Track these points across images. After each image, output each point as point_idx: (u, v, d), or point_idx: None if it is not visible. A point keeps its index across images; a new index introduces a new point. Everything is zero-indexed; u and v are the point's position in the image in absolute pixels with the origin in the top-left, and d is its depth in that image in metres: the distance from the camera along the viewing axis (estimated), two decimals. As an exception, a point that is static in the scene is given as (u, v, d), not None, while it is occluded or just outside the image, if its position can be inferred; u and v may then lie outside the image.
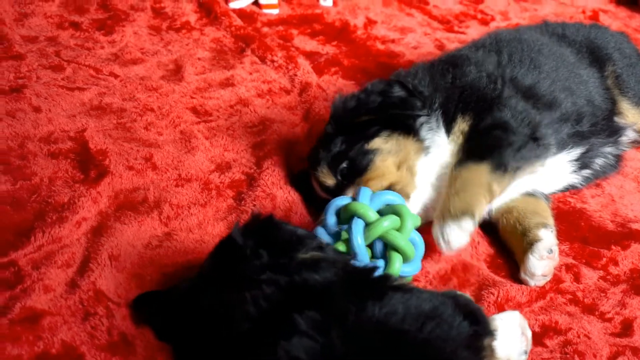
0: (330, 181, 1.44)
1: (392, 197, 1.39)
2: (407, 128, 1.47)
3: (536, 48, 1.64)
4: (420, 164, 1.46)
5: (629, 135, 1.69)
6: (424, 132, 1.47)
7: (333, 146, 1.45)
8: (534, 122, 1.49)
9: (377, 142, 1.46)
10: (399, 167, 1.46)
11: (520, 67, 1.58)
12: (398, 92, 1.49)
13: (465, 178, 1.41)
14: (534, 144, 1.47)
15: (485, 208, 1.38)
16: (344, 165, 1.44)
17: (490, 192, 1.40)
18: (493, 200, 1.40)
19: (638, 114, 1.69)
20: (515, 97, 1.51)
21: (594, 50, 1.70)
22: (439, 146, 1.48)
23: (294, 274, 1.18)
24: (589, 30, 1.75)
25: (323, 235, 1.39)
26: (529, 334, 1.27)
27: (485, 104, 1.49)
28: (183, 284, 1.22)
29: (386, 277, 1.20)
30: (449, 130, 1.48)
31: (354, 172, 1.44)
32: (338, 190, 1.43)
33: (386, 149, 1.46)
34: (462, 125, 1.48)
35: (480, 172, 1.41)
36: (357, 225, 1.38)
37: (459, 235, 1.34)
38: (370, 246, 1.37)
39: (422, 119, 1.47)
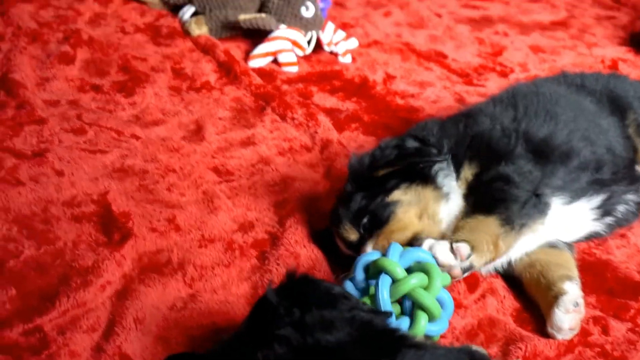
0: (353, 236, 1.45)
1: (422, 255, 1.39)
2: (425, 177, 1.49)
3: (553, 99, 1.65)
4: (442, 210, 1.47)
5: None
6: (441, 179, 1.49)
7: (353, 203, 1.46)
8: (537, 180, 1.50)
9: (397, 194, 1.47)
10: (420, 217, 1.47)
11: (535, 120, 1.59)
12: (412, 143, 1.51)
13: (474, 226, 1.42)
14: (536, 200, 1.48)
15: (486, 259, 1.39)
16: (366, 219, 1.45)
17: (496, 247, 1.41)
18: (496, 257, 1.41)
19: None
20: (526, 156, 1.52)
21: (614, 99, 1.71)
22: (455, 191, 1.49)
23: (306, 334, 1.19)
24: (608, 79, 1.76)
25: (351, 289, 1.40)
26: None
27: (495, 156, 1.51)
28: (217, 346, 1.23)
29: (402, 337, 1.20)
30: (457, 175, 1.50)
31: (376, 225, 1.46)
32: (362, 245, 1.43)
33: (406, 200, 1.47)
34: (467, 172, 1.50)
35: (489, 223, 1.42)
36: (384, 282, 1.38)
37: (445, 253, 1.37)
38: (400, 303, 1.38)
39: (437, 166, 1.49)
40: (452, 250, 1.39)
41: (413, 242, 1.42)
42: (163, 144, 1.72)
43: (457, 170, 1.50)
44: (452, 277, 1.37)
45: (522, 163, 1.51)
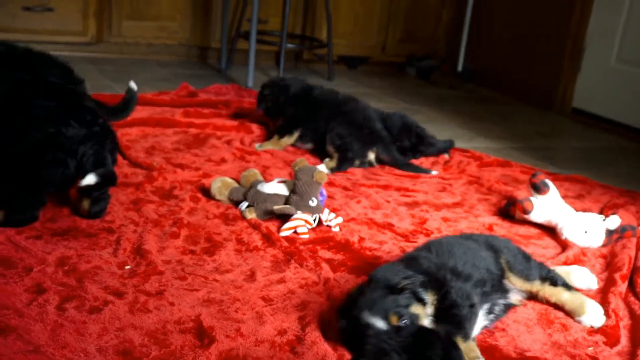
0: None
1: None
2: (419, 299, 1.38)
3: (453, 244, 1.64)
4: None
5: (514, 293, 1.67)
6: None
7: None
8: (468, 293, 1.46)
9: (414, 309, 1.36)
10: None
11: (447, 257, 1.57)
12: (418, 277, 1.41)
13: None
14: (473, 310, 1.45)
15: None
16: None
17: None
18: None
19: (524, 282, 1.68)
20: (454, 279, 1.49)
21: (491, 246, 1.71)
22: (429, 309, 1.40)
23: None
24: (487, 236, 1.76)
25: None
26: None
27: (440, 283, 1.45)
28: None
29: None
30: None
31: None
32: None
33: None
34: (431, 297, 1.42)
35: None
36: None
37: None
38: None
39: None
40: None
41: None
42: (232, 284, 1.71)
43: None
44: None
45: (455, 283, 1.46)
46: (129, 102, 2.45)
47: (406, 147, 2.87)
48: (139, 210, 2.06)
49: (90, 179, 1.84)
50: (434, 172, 2.75)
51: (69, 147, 1.78)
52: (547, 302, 1.71)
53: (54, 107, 1.77)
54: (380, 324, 1.34)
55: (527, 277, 1.66)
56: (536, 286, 1.68)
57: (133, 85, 2.15)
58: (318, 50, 4.65)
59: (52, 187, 1.83)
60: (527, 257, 1.71)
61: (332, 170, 2.62)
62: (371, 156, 2.72)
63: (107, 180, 1.86)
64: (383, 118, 2.85)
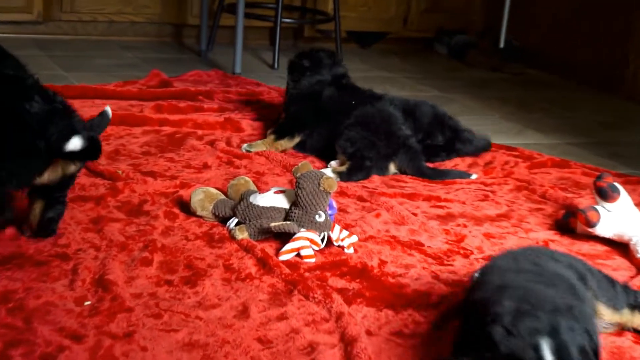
0: None
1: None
2: None
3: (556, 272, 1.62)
4: None
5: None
6: None
7: None
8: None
9: None
10: None
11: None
12: None
13: None
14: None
15: None
16: None
17: None
18: None
19: (613, 313, 1.68)
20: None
21: (575, 269, 1.68)
22: None
23: None
24: (567, 256, 1.75)
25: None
26: None
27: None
28: None
29: None
30: None
31: None
32: None
33: None
34: None
35: None
36: None
37: None
38: None
39: None
40: None
41: None
42: (219, 322, 1.71)
43: None
44: None
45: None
46: (98, 124, 2.41)
47: (439, 144, 2.87)
48: (101, 231, 2.07)
49: (75, 143, 1.85)
50: (473, 176, 2.74)
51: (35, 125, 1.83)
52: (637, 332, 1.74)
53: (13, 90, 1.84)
54: None
55: (615, 307, 1.67)
56: (625, 316, 1.70)
57: (109, 111, 2.12)
58: (322, 26, 4.66)
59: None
60: (611, 282, 1.73)
61: (341, 176, 2.61)
62: (392, 169, 2.72)
63: (94, 147, 1.89)
64: (409, 109, 2.85)
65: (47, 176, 1.90)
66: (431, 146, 2.84)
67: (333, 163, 2.72)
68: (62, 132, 1.83)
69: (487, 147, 2.99)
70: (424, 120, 2.87)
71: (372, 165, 2.65)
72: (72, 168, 1.94)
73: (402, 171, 2.72)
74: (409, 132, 2.75)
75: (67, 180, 1.96)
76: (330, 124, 2.75)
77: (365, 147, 2.65)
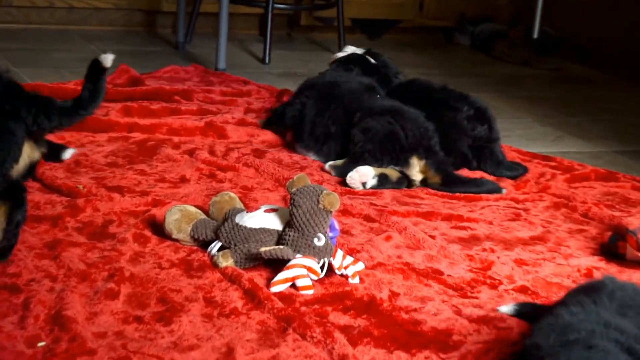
0: None
1: None
2: None
3: None
4: None
5: None
6: None
7: None
8: None
9: None
10: None
11: None
12: None
13: None
14: None
15: None
16: None
17: None
18: None
19: None
20: None
21: None
22: None
23: None
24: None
25: None
26: None
27: None
28: None
29: None
30: None
31: None
32: None
33: None
34: None
35: None
36: None
37: None
38: None
39: None
40: None
41: None
42: (199, 367, 1.70)
43: None
44: None
45: None
46: (94, 92, 2.49)
47: (483, 137, 2.92)
48: (58, 258, 2.06)
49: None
50: (503, 191, 2.76)
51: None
52: None
53: None
54: None
55: None
56: None
57: (107, 59, 2.27)
58: (322, 12, 4.68)
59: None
60: None
61: (336, 170, 2.77)
62: (415, 166, 2.76)
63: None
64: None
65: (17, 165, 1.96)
66: (475, 140, 2.92)
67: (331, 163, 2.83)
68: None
69: (516, 174, 2.98)
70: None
71: (381, 157, 2.74)
72: (36, 154, 1.98)
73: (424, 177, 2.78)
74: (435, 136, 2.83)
75: (31, 172, 2.01)
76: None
77: (373, 140, 2.74)
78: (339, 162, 2.79)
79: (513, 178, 2.91)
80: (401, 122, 2.77)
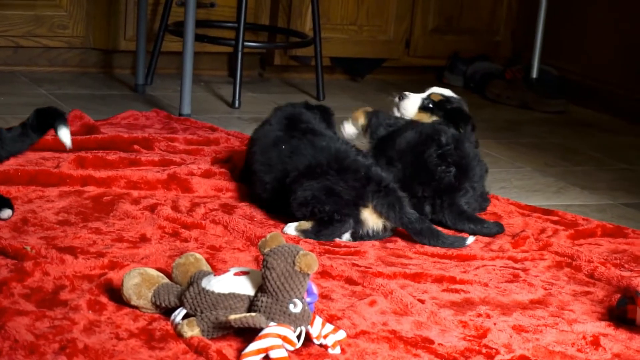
0: None
1: None
2: None
3: None
4: None
5: None
6: None
7: None
8: None
9: None
10: None
11: None
12: None
13: None
14: None
15: None
16: None
17: None
18: None
19: None
20: None
21: None
22: None
23: None
24: None
25: None
26: None
27: None
28: None
29: None
30: None
31: None
32: None
33: None
34: None
35: None
36: None
37: None
38: None
39: None
40: None
41: None
42: None
43: None
44: None
45: None
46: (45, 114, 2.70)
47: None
48: (2, 328, 2.04)
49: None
50: (470, 239, 2.80)
51: None
52: None
53: None
54: None
55: None
56: None
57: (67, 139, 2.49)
58: (298, 51, 4.74)
59: None
60: None
61: (306, 234, 2.76)
62: (367, 217, 2.80)
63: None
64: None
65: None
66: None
67: (291, 225, 2.83)
68: None
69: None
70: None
71: (340, 218, 2.76)
72: None
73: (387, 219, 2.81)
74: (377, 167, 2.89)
75: None
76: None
77: (319, 200, 2.76)
78: (306, 224, 2.82)
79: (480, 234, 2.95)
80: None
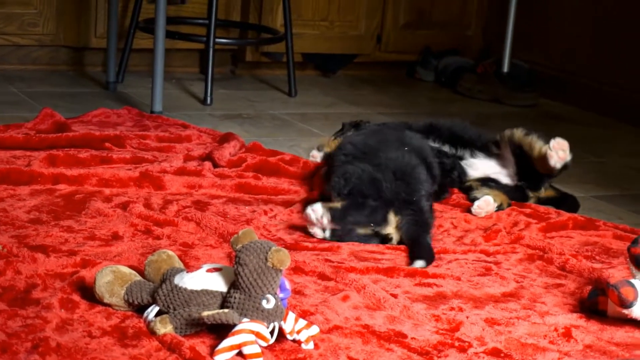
0: None
1: None
2: None
3: None
4: None
5: None
6: None
7: None
8: None
9: None
10: None
11: None
12: None
13: None
14: None
15: None
16: None
17: None
18: None
19: None
20: None
21: None
22: None
23: None
24: None
25: None
26: None
27: None
28: None
29: None
30: None
31: None
32: None
33: None
34: None
35: None
36: None
37: None
38: None
39: None
40: None
41: None
42: None
43: None
44: None
45: None
46: None
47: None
48: (-26, 328, 2.05)
49: None
50: (418, 264, 2.67)
51: None
52: None
53: None
54: None
55: None
56: None
57: None
58: (270, 47, 4.74)
59: None
60: None
61: (333, 212, 2.74)
62: (391, 221, 2.80)
63: None
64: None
65: None
66: None
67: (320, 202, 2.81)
68: None
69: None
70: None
71: (375, 206, 2.76)
72: None
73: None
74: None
75: None
76: None
77: (363, 182, 2.78)
78: (335, 204, 2.80)
79: None
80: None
